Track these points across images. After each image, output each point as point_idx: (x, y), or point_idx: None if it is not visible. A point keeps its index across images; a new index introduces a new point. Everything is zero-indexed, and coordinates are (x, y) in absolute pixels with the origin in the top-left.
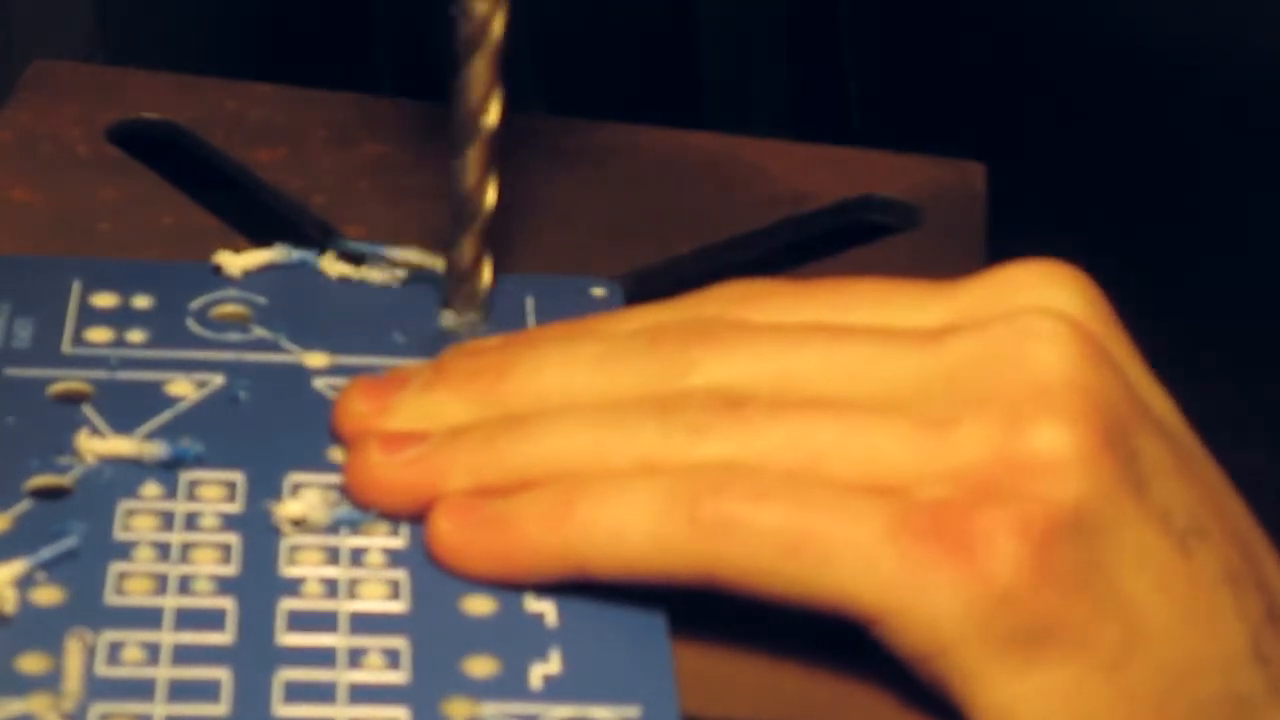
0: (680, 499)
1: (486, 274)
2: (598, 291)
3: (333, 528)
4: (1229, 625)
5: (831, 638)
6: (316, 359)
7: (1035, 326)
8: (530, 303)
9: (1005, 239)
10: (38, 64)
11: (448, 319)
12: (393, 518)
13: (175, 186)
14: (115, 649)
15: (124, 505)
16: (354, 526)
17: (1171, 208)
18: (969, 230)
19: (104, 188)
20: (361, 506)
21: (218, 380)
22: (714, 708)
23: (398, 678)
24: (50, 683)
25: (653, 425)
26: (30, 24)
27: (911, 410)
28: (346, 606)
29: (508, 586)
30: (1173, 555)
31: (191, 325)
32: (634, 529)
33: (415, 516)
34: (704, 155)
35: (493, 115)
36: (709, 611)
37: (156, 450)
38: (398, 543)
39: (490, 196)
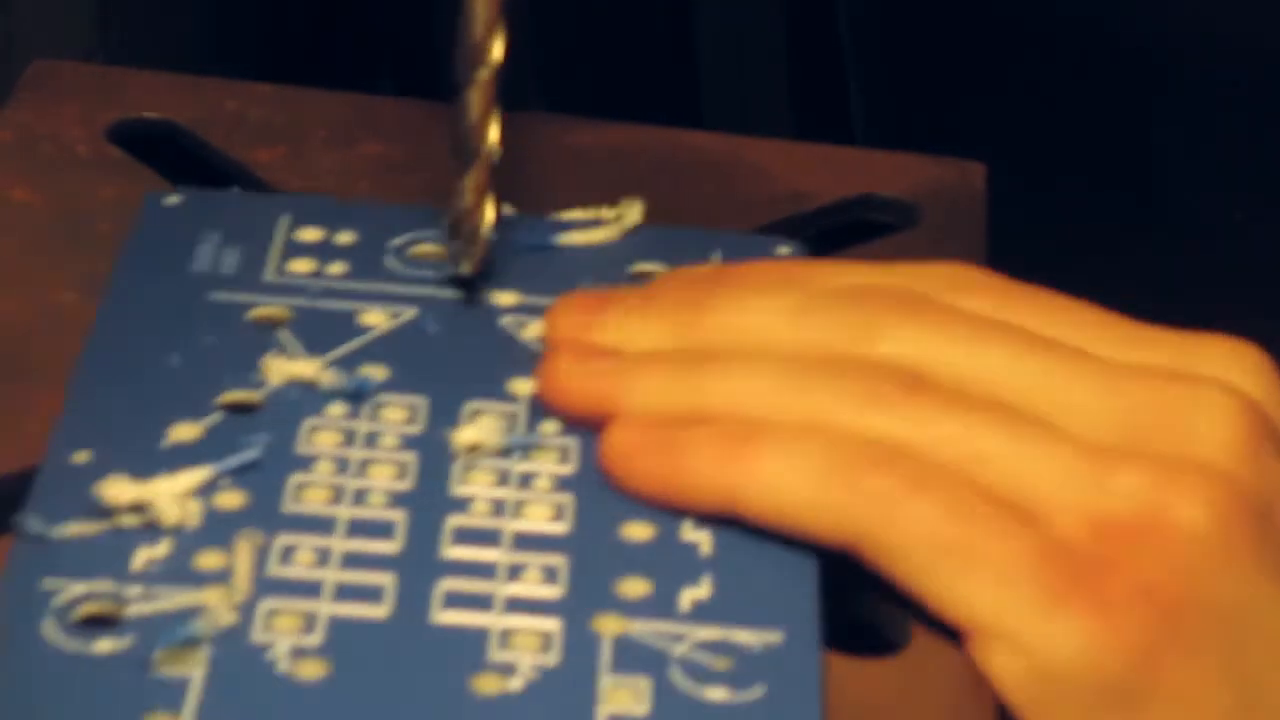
0: (845, 465)
1: (494, 132)
2: (783, 250)
3: (506, 453)
4: None
5: (831, 635)
6: (506, 297)
7: (1213, 399)
8: (717, 258)
9: (1005, 239)
10: (38, 64)
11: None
12: (571, 425)
13: (175, 186)
14: (288, 551)
15: (309, 422)
16: (526, 451)
17: (1172, 208)
18: (969, 230)
19: (104, 188)
20: (544, 409)
21: (410, 313)
22: None
23: (553, 593)
24: (225, 578)
25: (829, 386)
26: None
27: (1076, 442)
28: (511, 525)
29: (665, 512)
30: None
31: (390, 262)
32: (795, 484)
33: (591, 426)
34: (704, 155)
35: (496, 51)
36: None
37: (337, 379)
38: (566, 469)
39: (494, 133)
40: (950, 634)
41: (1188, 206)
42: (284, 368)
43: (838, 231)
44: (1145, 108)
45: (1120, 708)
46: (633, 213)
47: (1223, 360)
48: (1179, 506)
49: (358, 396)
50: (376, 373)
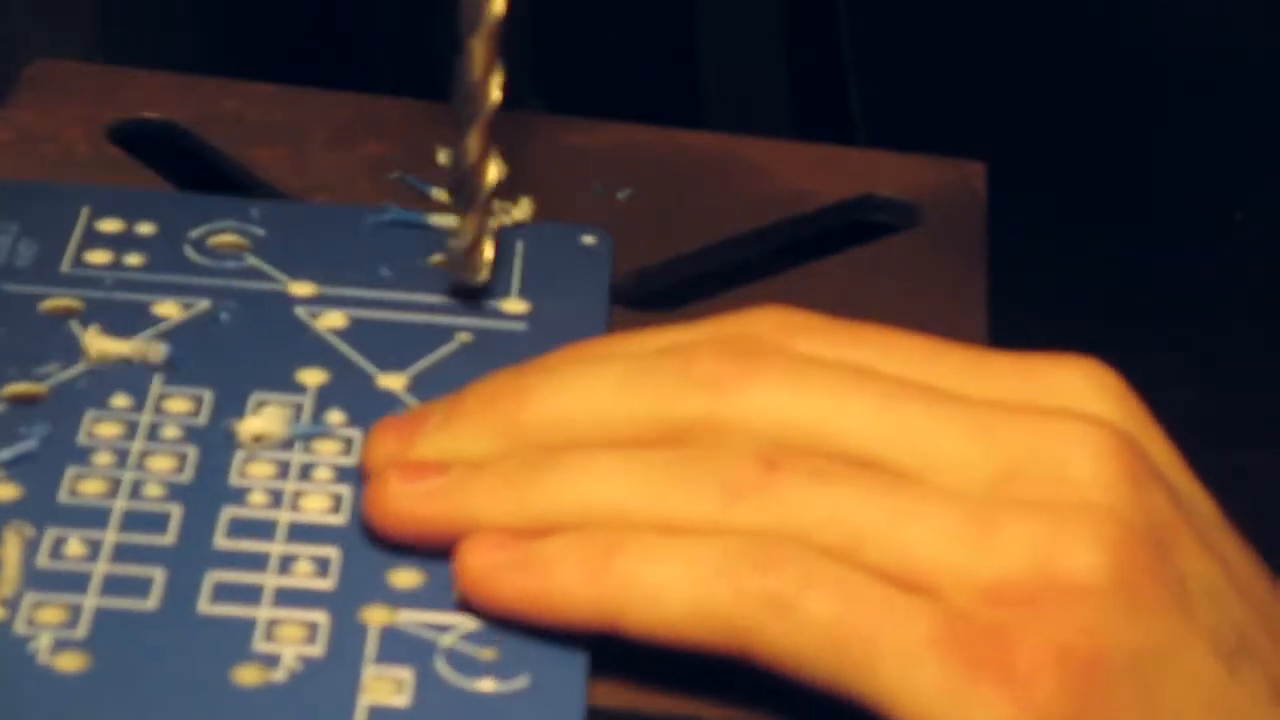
0: (725, 569)
1: (493, 172)
2: (587, 239)
3: (289, 443)
4: None
5: None
6: (302, 288)
7: (1082, 436)
8: (519, 246)
9: (1005, 239)
10: (38, 64)
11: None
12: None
13: (175, 186)
14: (58, 544)
15: (91, 414)
16: (309, 442)
17: (1172, 208)
18: (969, 230)
19: None
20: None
21: (203, 304)
22: (713, 708)
23: (323, 584)
24: None
25: (681, 480)
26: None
27: (954, 501)
28: (287, 517)
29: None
30: (1220, 677)
31: (189, 252)
32: (674, 593)
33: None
34: (704, 155)
35: (495, 93)
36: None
37: (160, 349)
38: (348, 460)
39: (492, 172)
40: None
41: (1188, 206)
42: (104, 345)
43: (838, 232)
44: (1145, 108)
45: None
46: (520, 209)
47: (1078, 385)
48: (1071, 557)
49: (173, 366)
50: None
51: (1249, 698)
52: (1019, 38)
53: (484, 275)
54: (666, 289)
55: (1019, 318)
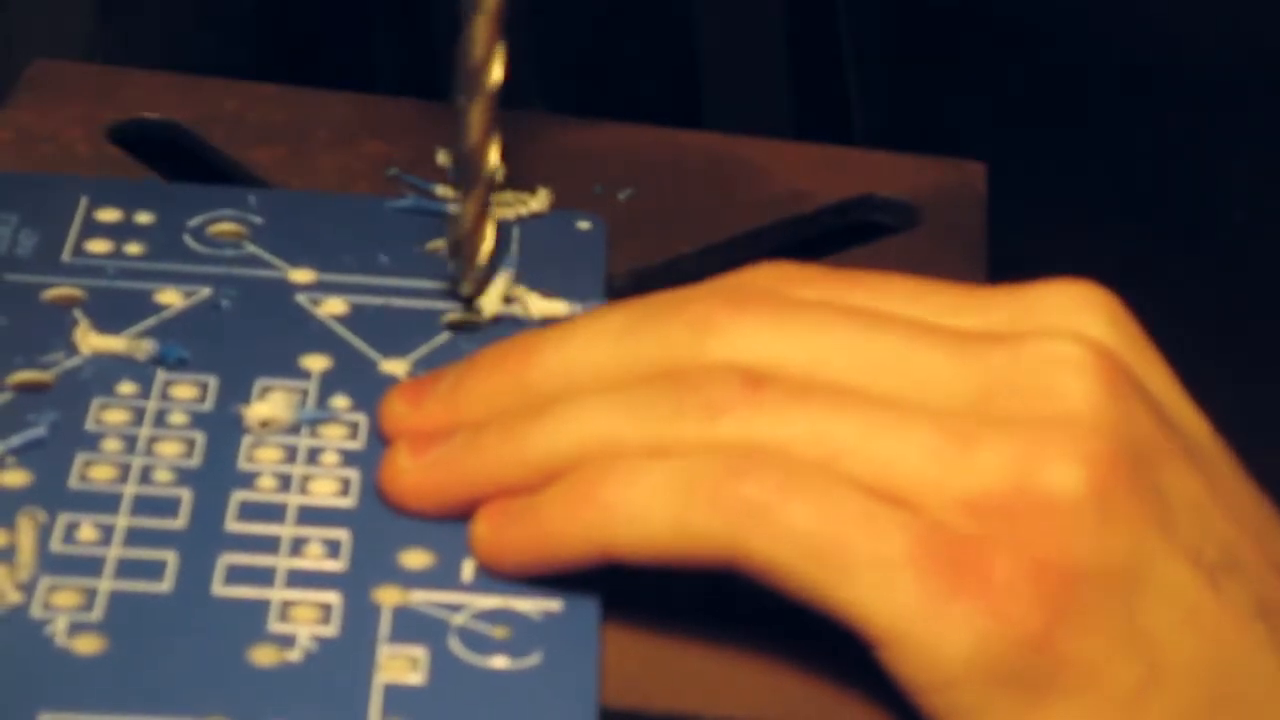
0: (700, 482)
1: (494, 155)
2: (583, 225)
3: (295, 428)
4: (1261, 660)
5: (831, 638)
6: (302, 275)
7: (1066, 353)
8: (516, 232)
9: (1005, 239)
10: (38, 64)
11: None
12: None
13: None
14: (71, 529)
15: (98, 401)
16: (315, 426)
17: (1172, 208)
18: (969, 230)
19: None
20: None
21: (205, 291)
22: (714, 707)
23: (335, 565)
24: (6, 556)
25: (667, 405)
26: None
27: (935, 419)
28: (296, 500)
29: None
30: (1201, 592)
31: (188, 241)
32: (655, 512)
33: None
34: (704, 155)
35: (495, 74)
36: (709, 612)
37: (146, 346)
38: (354, 444)
39: (494, 155)
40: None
41: (1188, 206)
42: (94, 341)
43: (838, 232)
44: (1144, 108)
45: (1026, 695)
46: (537, 200)
47: (1068, 307)
48: (1049, 471)
49: (163, 361)
50: (176, 348)
51: (1231, 612)
52: (1019, 38)
53: (472, 287)
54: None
55: None
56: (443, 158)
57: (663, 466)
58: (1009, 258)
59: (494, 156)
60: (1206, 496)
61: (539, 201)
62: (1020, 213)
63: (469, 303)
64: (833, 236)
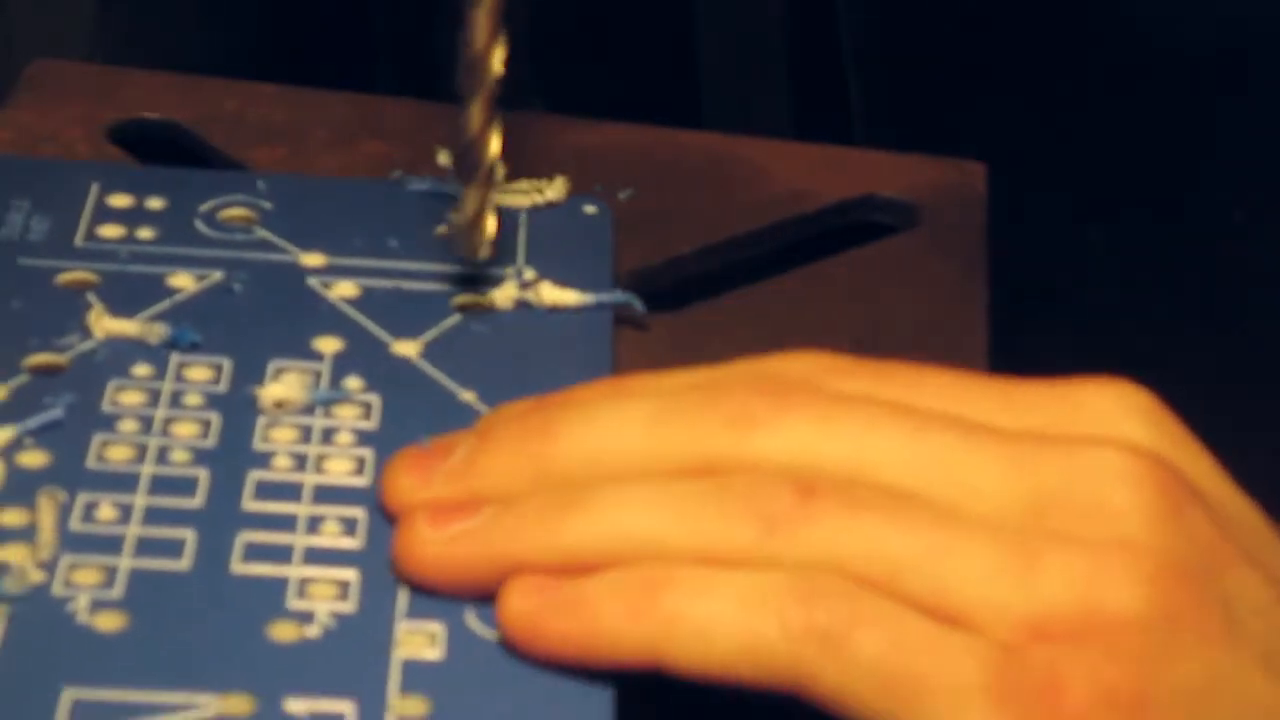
0: (770, 605)
1: (495, 145)
2: (589, 209)
3: (310, 409)
4: None
5: None
6: (313, 259)
7: (1118, 465)
8: (523, 217)
9: (1005, 239)
10: (38, 64)
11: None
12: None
13: None
14: (90, 508)
15: (114, 383)
16: (329, 407)
17: (1172, 208)
18: (969, 230)
19: None
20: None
21: (217, 275)
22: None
23: (352, 543)
24: (27, 535)
25: (715, 510)
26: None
27: (993, 535)
28: (312, 479)
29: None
30: (1273, 695)
31: (199, 225)
32: (721, 630)
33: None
34: (704, 155)
35: (496, 65)
36: None
37: (159, 330)
38: (368, 424)
39: (495, 144)
40: None
41: (1188, 206)
42: (108, 324)
43: (838, 232)
44: (1144, 108)
45: None
46: (554, 189)
47: (1110, 409)
48: (1114, 594)
49: (176, 345)
50: (189, 331)
51: None
52: (1019, 38)
53: (485, 252)
54: (666, 289)
55: (1019, 317)
56: (443, 158)
57: (728, 583)
58: (1009, 258)
59: (495, 147)
60: (1270, 594)
61: (555, 190)
62: (1020, 213)
63: (478, 287)
64: (833, 236)
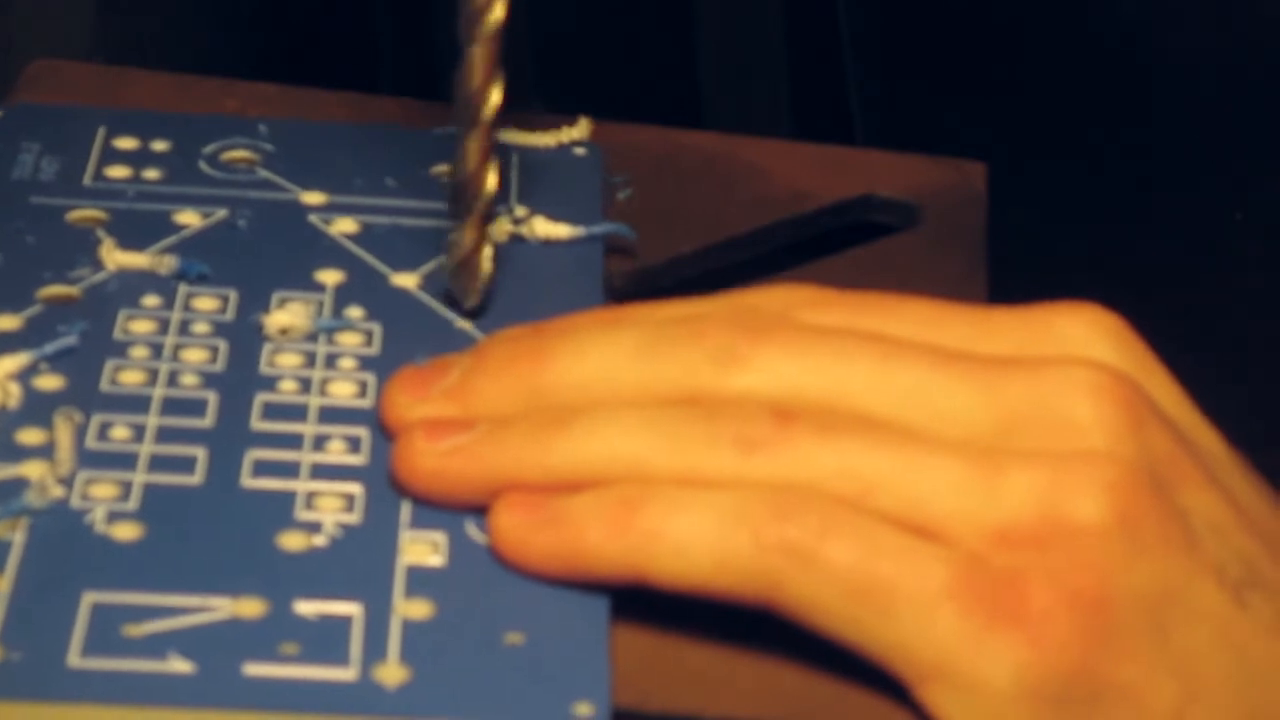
0: (743, 521)
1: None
2: (579, 151)
3: (313, 336)
4: None
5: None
6: (313, 197)
7: (1081, 381)
8: (515, 158)
9: (1005, 239)
10: (38, 64)
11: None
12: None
13: None
14: (105, 428)
15: (125, 312)
16: (331, 334)
17: (1172, 208)
18: (969, 230)
19: None
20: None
21: (221, 212)
22: (714, 707)
23: (357, 460)
24: (45, 453)
25: (698, 434)
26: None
27: (961, 452)
28: (317, 401)
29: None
30: (1228, 609)
31: (203, 166)
32: (697, 545)
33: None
34: (704, 155)
35: (494, 98)
36: (707, 610)
37: (168, 262)
38: (370, 350)
39: (491, 181)
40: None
41: (1188, 206)
42: (119, 257)
43: (838, 232)
44: (1144, 107)
45: (1073, 718)
46: (579, 129)
47: (1078, 331)
48: (1076, 502)
49: (184, 277)
50: (197, 264)
51: (1258, 627)
52: (1018, 38)
53: (475, 300)
54: (666, 289)
55: None
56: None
57: (705, 500)
58: (1009, 258)
59: (491, 182)
60: (1227, 513)
61: (580, 130)
62: (1020, 213)
63: (471, 317)
64: (833, 236)
